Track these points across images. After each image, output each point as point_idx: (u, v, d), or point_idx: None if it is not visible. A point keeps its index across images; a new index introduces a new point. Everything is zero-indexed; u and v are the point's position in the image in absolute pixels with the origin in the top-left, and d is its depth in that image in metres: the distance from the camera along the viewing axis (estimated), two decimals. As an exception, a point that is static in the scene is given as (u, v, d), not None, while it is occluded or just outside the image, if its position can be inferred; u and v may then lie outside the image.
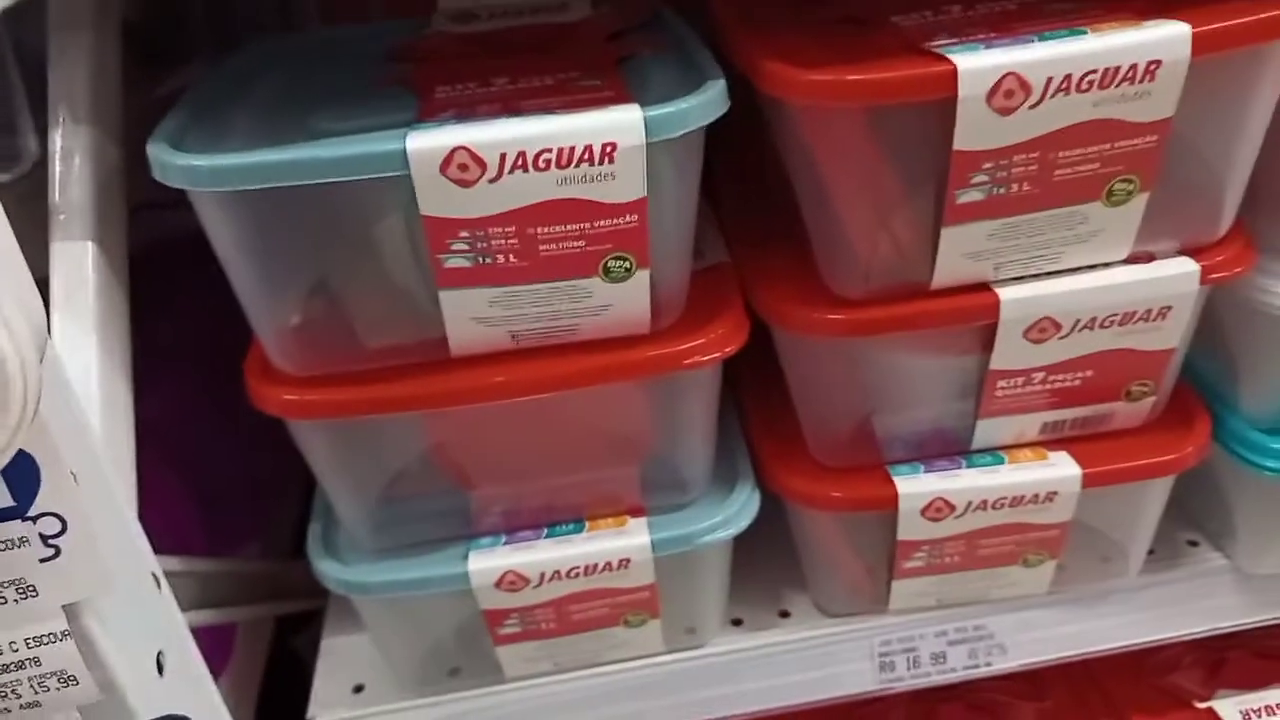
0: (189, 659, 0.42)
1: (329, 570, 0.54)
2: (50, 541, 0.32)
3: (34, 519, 0.31)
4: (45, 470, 0.31)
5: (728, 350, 0.50)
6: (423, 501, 0.54)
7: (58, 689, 0.33)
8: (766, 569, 0.65)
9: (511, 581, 0.54)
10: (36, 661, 0.33)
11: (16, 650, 0.33)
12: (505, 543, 0.55)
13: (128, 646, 0.36)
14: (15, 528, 0.31)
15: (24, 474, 0.31)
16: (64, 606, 0.33)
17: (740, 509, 0.55)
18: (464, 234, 0.44)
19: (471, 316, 0.46)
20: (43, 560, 0.32)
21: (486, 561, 0.53)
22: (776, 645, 0.62)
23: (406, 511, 0.54)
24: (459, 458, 0.53)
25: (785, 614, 0.64)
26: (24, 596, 0.32)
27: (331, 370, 0.49)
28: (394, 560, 0.54)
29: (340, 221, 0.45)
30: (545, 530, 0.55)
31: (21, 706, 0.33)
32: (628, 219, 0.44)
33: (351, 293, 0.48)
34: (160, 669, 0.39)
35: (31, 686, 0.33)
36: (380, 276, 0.46)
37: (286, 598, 0.68)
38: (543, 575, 0.54)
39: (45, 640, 0.33)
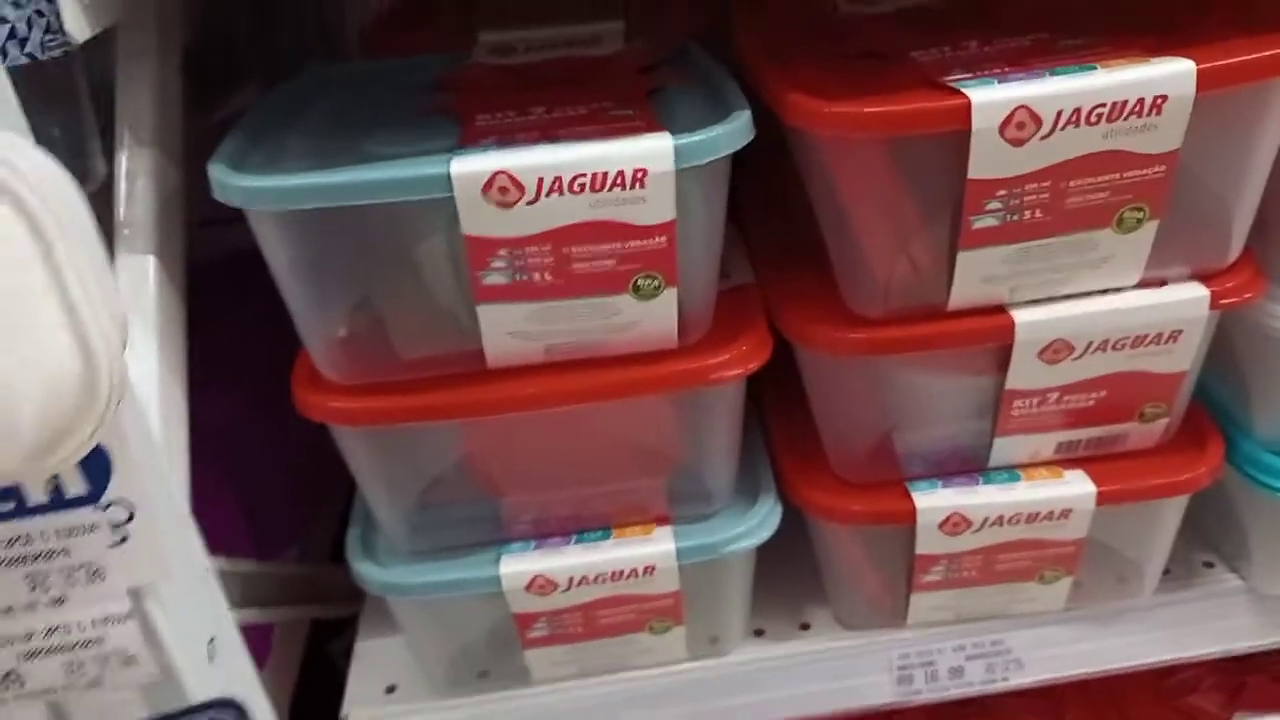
0: (237, 648, 0.45)
1: (367, 572, 0.57)
2: (119, 528, 0.34)
3: (105, 507, 0.34)
4: (116, 462, 0.33)
5: (751, 366, 0.52)
6: (458, 507, 0.57)
7: (120, 668, 0.36)
8: (788, 583, 0.67)
9: (541, 585, 0.56)
10: (102, 641, 0.36)
11: (84, 630, 0.35)
12: (536, 548, 0.57)
13: (183, 631, 0.39)
14: (88, 514, 0.34)
15: (98, 464, 0.33)
16: (128, 591, 0.35)
17: (762, 521, 0.57)
18: (503, 252, 0.46)
19: (508, 330, 0.49)
20: (111, 546, 0.34)
21: (517, 565, 0.56)
22: (797, 656, 0.64)
23: (442, 516, 0.57)
24: (493, 466, 0.56)
25: (806, 626, 0.65)
26: (93, 580, 0.35)
27: (375, 380, 0.51)
28: (429, 563, 0.57)
29: (386, 240, 0.48)
30: (574, 536, 0.57)
31: (86, 684, 0.36)
32: (657, 240, 0.47)
33: (395, 307, 0.50)
34: (211, 656, 0.42)
35: (96, 665, 0.36)
36: (422, 292, 0.49)
37: (322, 602, 0.71)
38: (571, 580, 0.56)
39: (111, 621, 0.35)
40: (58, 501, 0.33)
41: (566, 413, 0.52)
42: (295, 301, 0.49)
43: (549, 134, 0.47)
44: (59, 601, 0.35)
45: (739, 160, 0.47)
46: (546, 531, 0.58)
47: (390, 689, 0.64)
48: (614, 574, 0.56)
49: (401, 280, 0.49)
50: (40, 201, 0.29)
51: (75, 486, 0.33)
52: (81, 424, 0.28)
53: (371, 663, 0.66)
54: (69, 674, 0.35)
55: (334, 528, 0.75)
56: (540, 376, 0.51)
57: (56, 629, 0.35)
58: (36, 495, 0.33)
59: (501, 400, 0.51)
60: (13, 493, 0.33)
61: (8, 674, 0.35)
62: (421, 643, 0.61)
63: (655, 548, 0.56)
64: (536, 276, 0.47)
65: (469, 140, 0.48)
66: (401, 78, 0.58)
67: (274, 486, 0.72)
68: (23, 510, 0.33)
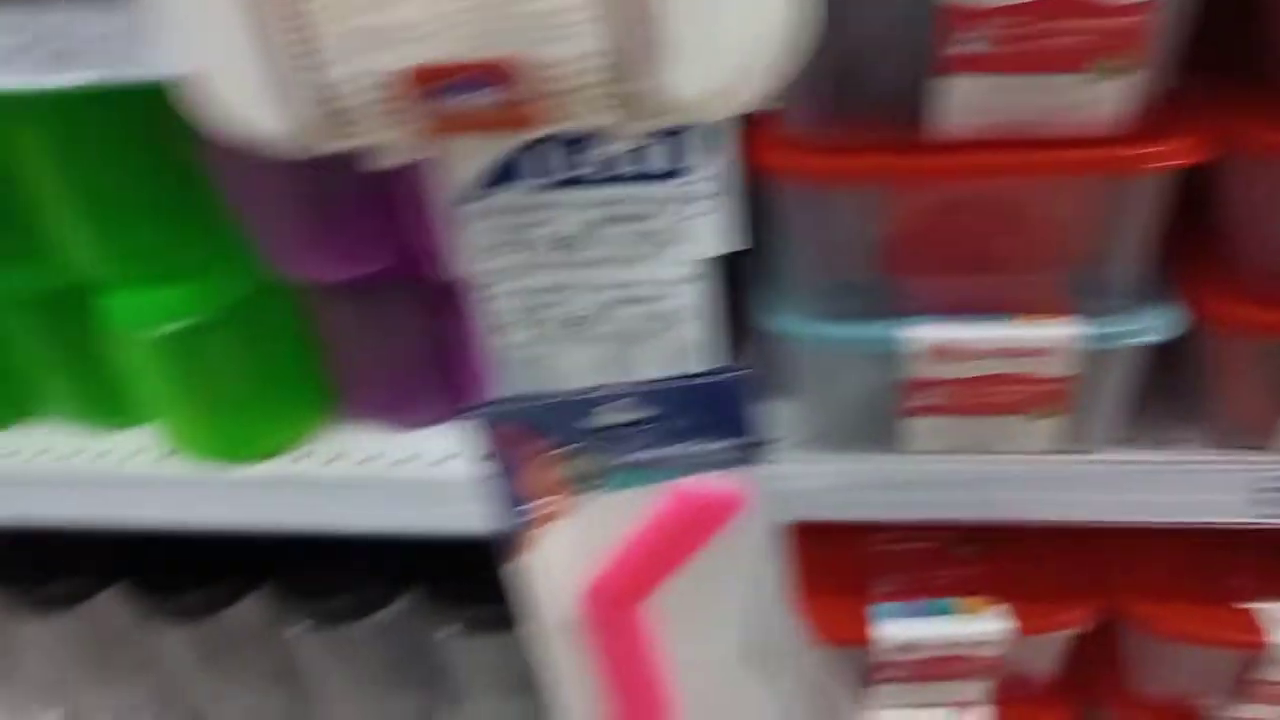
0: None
1: (782, 324, 0.63)
2: (698, 203, 0.41)
3: (695, 182, 0.41)
4: (713, 146, 0.40)
5: (1187, 159, 0.54)
6: (873, 274, 0.62)
7: (674, 325, 0.43)
8: (1161, 399, 0.69)
9: (940, 353, 0.61)
10: (665, 299, 0.43)
11: (653, 288, 0.43)
12: (940, 319, 0.61)
13: (708, 309, 0.46)
14: (677, 184, 0.41)
15: (698, 142, 0.40)
16: (692, 260, 0.42)
17: (1163, 321, 0.60)
18: (975, 23, 0.50)
19: (965, 103, 0.53)
20: (686, 219, 0.41)
21: (920, 331, 0.61)
22: (1161, 464, 0.66)
23: (857, 282, 0.62)
24: (914, 239, 0.60)
25: (1171, 440, 0.68)
26: (667, 246, 0.42)
27: (831, 144, 0.56)
28: (838, 323, 0.62)
29: (864, 7, 0.52)
30: (979, 315, 0.62)
31: (646, 335, 0.44)
32: (1129, 21, 0.49)
33: (865, 73, 0.55)
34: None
35: (656, 320, 0.43)
36: (889, 60, 0.54)
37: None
38: (969, 351, 0.61)
39: (674, 283, 0.43)
40: (655, 173, 0.40)
41: (995, 192, 0.56)
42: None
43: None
44: (637, 260, 0.42)
45: None
46: (954, 307, 0.62)
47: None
48: (1012, 350, 0.60)
49: (872, 47, 0.54)
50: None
51: (677, 160, 0.40)
52: (759, 79, 0.34)
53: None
54: (635, 324, 0.43)
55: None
56: (983, 150, 0.55)
57: (632, 284, 0.42)
58: (639, 165, 0.40)
59: (944, 169, 0.55)
60: (623, 160, 0.40)
61: (586, 317, 0.43)
62: (814, 399, 0.67)
63: (1056, 330, 0.60)
64: (1003, 48, 0.51)
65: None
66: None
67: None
68: (627, 177, 0.41)
